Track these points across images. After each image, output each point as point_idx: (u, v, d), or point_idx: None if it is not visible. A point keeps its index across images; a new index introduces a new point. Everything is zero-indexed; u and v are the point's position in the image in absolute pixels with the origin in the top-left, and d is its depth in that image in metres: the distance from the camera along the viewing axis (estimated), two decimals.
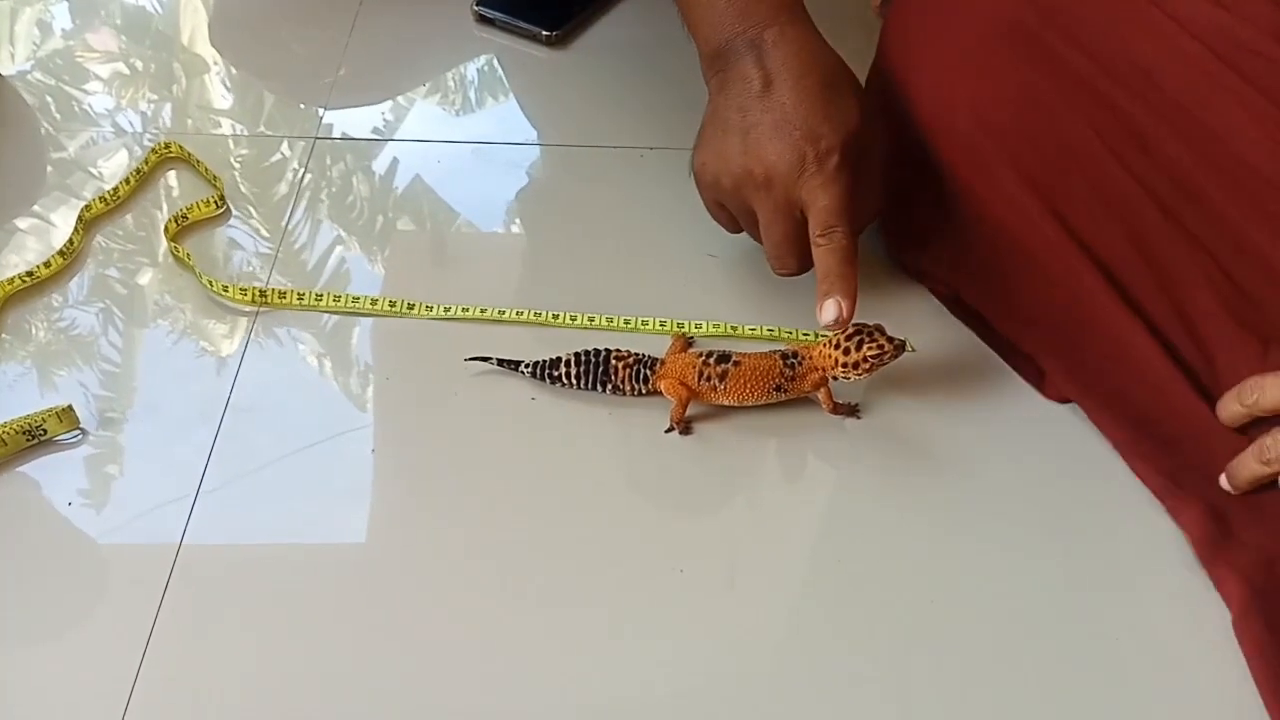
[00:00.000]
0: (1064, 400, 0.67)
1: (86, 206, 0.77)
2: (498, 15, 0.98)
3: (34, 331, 0.70)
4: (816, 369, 0.64)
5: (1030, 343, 0.68)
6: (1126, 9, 0.64)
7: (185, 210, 0.77)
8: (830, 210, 0.62)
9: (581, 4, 0.99)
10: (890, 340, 0.62)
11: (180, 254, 0.74)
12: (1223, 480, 0.59)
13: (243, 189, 0.82)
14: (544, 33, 0.96)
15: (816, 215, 0.62)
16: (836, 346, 0.63)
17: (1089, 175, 0.63)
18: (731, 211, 0.68)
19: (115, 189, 0.79)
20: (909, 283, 0.75)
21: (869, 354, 0.61)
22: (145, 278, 0.75)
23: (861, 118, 0.63)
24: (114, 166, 0.83)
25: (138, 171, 0.80)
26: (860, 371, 0.62)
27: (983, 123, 0.65)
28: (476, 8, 0.98)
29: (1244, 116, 0.59)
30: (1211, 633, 0.57)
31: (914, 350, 0.70)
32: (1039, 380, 0.68)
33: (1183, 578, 0.59)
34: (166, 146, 0.83)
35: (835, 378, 0.64)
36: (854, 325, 0.63)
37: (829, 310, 0.62)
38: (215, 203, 0.78)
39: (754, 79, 0.63)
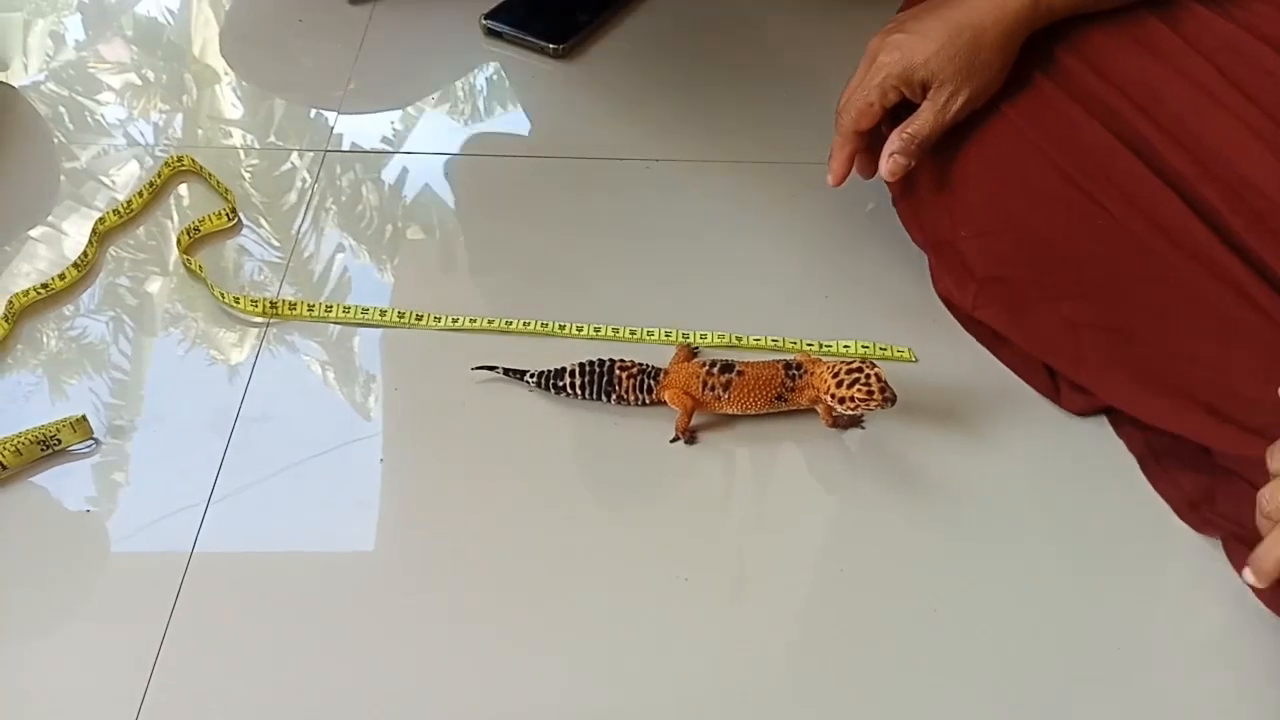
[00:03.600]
0: (1084, 413, 0.67)
1: (100, 219, 0.78)
2: (506, 29, 0.99)
3: (47, 341, 0.71)
4: (813, 387, 0.64)
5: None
6: (1134, 26, 0.65)
7: (197, 223, 0.78)
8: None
9: (588, 18, 0.99)
10: (884, 391, 0.62)
11: (192, 265, 0.75)
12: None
13: (253, 199, 0.83)
14: (551, 46, 0.97)
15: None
16: (834, 374, 0.63)
17: (1112, 172, 0.63)
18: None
19: (128, 202, 0.80)
20: (916, 293, 0.76)
21: (856, 394, 0.62)
22: (157, 288, 0.75)
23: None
24: (126, 176, 0.84)
25: (150, 185, 0.81)
26: (845, 407, 0.62)
27: (1003, 116, 0.66)
28: (485, 21, 0.99)
29: (1246, 134, 0.59)
30: (1222, 641, 0.57)
31: (916, 360, 0.71)
32: (1055, 393, 0.68)
33: (1193, 589, 0.60)
34: (179, 160, 0.84)
35: (824, 402, 0.64)
36: (859, 360, 0.63)
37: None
38: (227, 215, 0.79)
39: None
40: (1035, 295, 0.67)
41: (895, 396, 0.62)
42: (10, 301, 0.71)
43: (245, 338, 0.72)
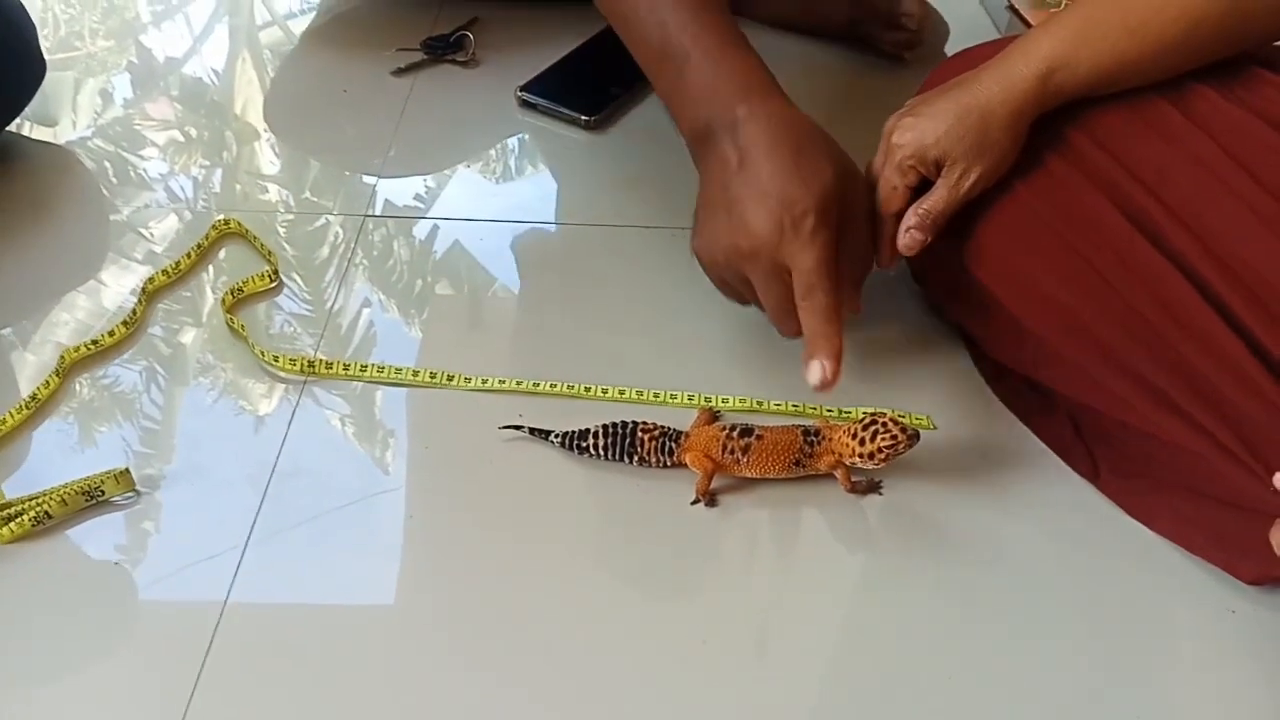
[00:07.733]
0: (1119, 501, 0.68)
1: (149, 279, 0.81)
2: (540, 101, 1.02)
3: (84, 393, 0.74)
4: (833, 453, 0.66)
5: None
6: (1144, 108, 0.67)
7: (241, 284, 0.81)
8: (810, 271, 0.64)
9: (619, 90, 1.03)
10: (904, 430, 0.64)
11: (235, 325, 0.77)
12: None
13: (291, 257, 0.85)
14: (583, 117, 1.00)
15: (798, 278, 0.64)
16: (854, 436, 0.65)
17: (1119, 250, 0.65)
18: (734, 285, 0.70)
19: (177, 263, 0.83)
20: (934, 362, 0.78)
21: (883, 444, 0.64)
22: (196, 342, 0.78)
23: (836, 177, 0.65)
24: (165, 229, 0.87)
25: (199, 246, 0.84)
26: (876, 461, 0.64)
27: (1015, 194, 0.68)
28: (520, 94, 1.03)
29: (1251, 219, 0.61)
30: (1250, 716, 0.58)
31: (935, 428, 0.72)
32: (1094, 476, 0.69)
33: (1219, 661, 0.60)
34: (226, 222, 0.87)
35: (853, 465, 0.66)
36: (868, 415, 0.65)
37: (814, 372, 0.64)
38: (270, 276, 0.82)
39: (731, 157, 0.66)
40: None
41: (918, 432, 0.64)
42: (62, 357, 0.74)
43: (280, 393, 0.74)
